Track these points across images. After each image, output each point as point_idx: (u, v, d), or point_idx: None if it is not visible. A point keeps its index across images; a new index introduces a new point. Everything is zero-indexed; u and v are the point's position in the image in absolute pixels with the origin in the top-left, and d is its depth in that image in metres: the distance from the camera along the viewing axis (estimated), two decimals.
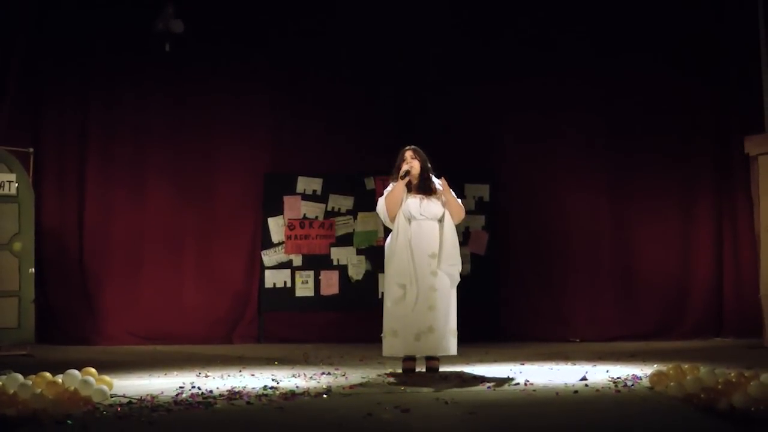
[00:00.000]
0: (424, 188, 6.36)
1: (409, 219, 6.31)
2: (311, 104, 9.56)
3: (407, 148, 6.48)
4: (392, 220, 6.35)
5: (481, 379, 5.92)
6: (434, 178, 6.43)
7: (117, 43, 9.28)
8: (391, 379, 5.96)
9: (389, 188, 6.43)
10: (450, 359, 6.44)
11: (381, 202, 6.43)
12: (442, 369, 6.32)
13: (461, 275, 6.39)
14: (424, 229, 6.28)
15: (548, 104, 9.40)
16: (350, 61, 9.41)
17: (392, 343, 6.24)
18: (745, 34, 9.02)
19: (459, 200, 6.48)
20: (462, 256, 6.50)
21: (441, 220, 6.32)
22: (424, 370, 6.30)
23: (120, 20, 9.20)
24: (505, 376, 6.08)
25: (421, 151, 6.45)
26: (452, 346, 6.27)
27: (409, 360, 6.29)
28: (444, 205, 6.35)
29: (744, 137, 8.68)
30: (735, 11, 9.16)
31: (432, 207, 6.33)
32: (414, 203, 6.32)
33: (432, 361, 6.30)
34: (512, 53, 9.41)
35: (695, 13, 9.27)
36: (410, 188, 6.38)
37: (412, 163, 6.35)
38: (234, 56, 9.45)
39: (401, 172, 6.34)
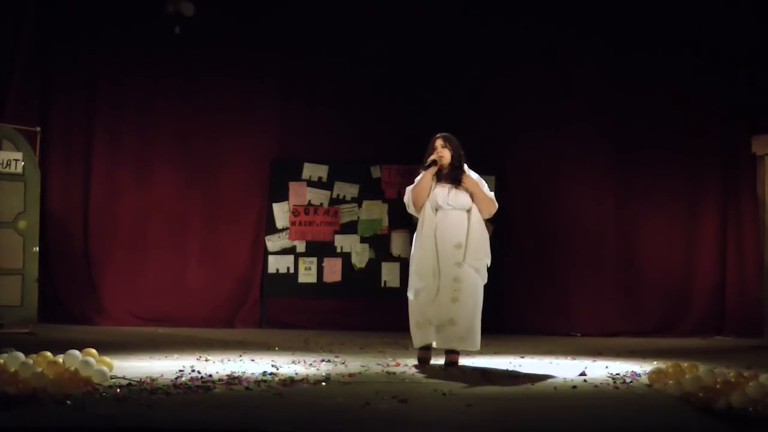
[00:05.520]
0: (454, 178, 6.12)
1: (436, 209, 6.10)
2: (319, 91, 9.55)
3: (438, 135, 6.23)
4: (419, 210, 6.14)
5: (481, 372, 5.93)
6: (469, 170, 6.20)
7: (126, 23, 9.25)
8: (391, 369, 5.97)
9: (419, 177, 6.21)
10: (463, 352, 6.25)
11: (408, 191, 6.22)
12: (461, 363, 6.14)
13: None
14: (450, 219, 6.06)
15: (555, 99, 9.35)
16: (359, 48, 9.38)
17: (416, 335, 6.08)
18: (753, 32, 8.97)
19: (492, 193, 6.23)
20: None
21: (470, 211, 6.12)
22: (443, 362, 6.12)
23: (130, 1, 9.19)
24: (505, 368, 6.07)
25: (454, 138, 6.21)
26: (475, 342, 6.06)
27: (424, 350, 6.13)
28: (472, 196, 6.14)
29: (751, 136, 8.65)
30: (743, 9, 9.09)
31: (461, 197, 6.11)
32: (442, 192, 6.11)
33: (451, 354, 6.10)
34: (521, 47, 9.37)
35: (703, 11, 9.20)
36: (440, 177, 6.16)
37: (441, 153, 6.12)
38: (243, 40, 9.43)
39: (427, 162, 6.13)
